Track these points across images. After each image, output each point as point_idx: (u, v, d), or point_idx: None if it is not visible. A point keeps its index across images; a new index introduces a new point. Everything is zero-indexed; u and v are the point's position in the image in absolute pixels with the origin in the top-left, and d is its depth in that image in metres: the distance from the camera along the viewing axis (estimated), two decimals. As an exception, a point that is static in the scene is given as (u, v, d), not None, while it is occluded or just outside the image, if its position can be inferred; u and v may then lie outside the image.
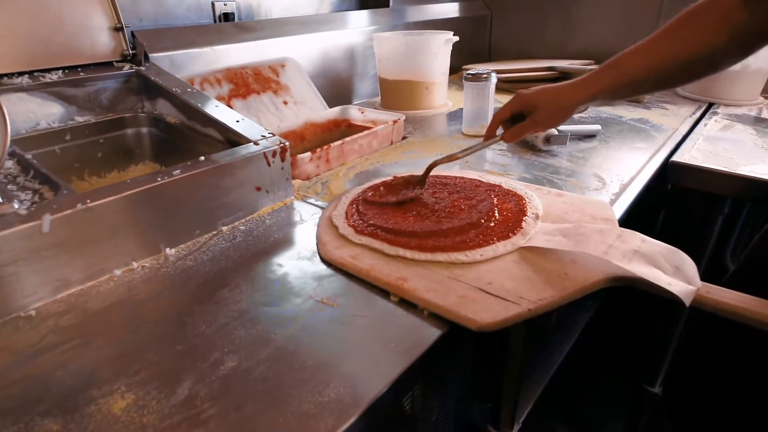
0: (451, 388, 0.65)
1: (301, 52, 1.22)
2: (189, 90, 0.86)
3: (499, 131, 0.79)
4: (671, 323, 1.07)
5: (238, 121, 0.78)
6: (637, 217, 0.78)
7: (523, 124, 0.74)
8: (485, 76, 1.02)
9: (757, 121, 1.15)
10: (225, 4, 1.16)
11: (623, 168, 0.88)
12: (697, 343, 0.77)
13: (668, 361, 1.10)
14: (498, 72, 1.52)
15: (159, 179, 0.60)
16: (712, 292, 0.51)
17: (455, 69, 1.66)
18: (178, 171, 0.63)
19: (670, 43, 0.63)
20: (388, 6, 1.51)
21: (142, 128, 0.90)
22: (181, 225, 0.64)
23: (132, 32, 0.94)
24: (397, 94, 1.27)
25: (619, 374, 1.39)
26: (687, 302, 0.49)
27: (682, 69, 0.63)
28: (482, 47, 1.93)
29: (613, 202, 0.76)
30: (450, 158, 0.74)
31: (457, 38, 1.25)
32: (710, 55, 0.61)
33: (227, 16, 1.16)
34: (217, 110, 0.81)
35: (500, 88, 1.50)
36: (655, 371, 1.14)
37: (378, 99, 1.38)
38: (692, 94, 1.37)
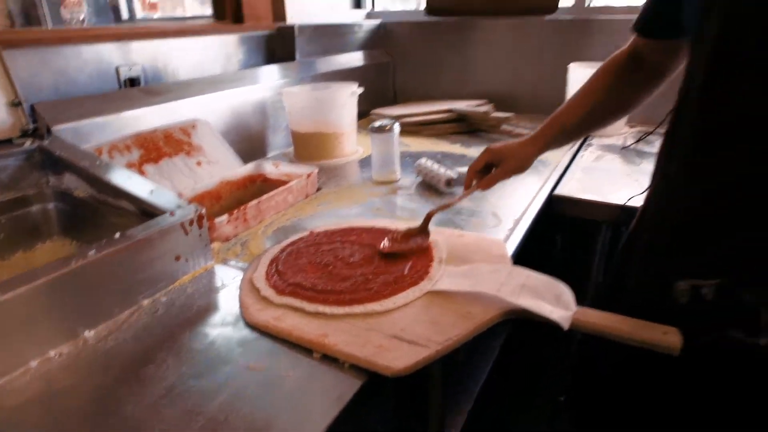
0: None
1: (212, 111, 1.25)
2: (97, 163, 0.86)
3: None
4: (568, 346, 1.19)
5: (151, 192, 0.80)
6: (536, 245, 0.88)
7: (496, 173, 0.86)
8: (388, 128, 1.11)
9: (623, 150, 1.34)
10: (129, 69, 1.17)
11: (516, 204, 1.00)
12: (582, 365, 0.86)
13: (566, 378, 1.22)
14: (402, 117, 1.64)
15: (73, 263, 0.61)
16: (586, 315, 0.60)
17: (364, 113, 1.75)
18: (92, 251, 0.63)
19: (594, 97, 0.82)
20: (294, 59, 1.58)
21: (48, 204, 0.88)
22: (98, 305, 0.64)
23: (32, 105, 0.93)
24: (309, 145, 1.33)
25: (538, 387, 1.51)
26: (565, 327, 0.58)
27: (608, 114, 0.84)
28: (387, 91, 2.06)
29: (507, 237, 0.86)
30: (444, 207, 0.85)
31: (361, 89, 1.34)
32: (624, 97, 0.80)
33: (133, 81, 1.17)
34: (129, 182, 0.82)
35: (406, 131, 1.61)
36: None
37: (292, 149, 1.43)
38: (571, 128, 1.55)
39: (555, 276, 0.66)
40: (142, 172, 1.03)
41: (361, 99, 1.39)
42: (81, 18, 2.57)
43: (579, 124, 0.83)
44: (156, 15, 2.30)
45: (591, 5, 1.71)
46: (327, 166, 1.30)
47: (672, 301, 0.59)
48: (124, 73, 1.15)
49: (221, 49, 1.41)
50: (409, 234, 0.80)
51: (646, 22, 0.73)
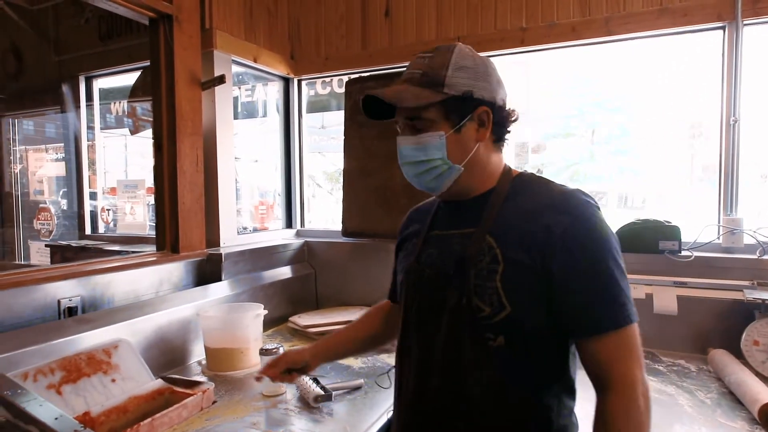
0: None
1: (138, 332, 1.50)
2: (19, 390, 1.07)
3: None
4: None
5: (56, 419, 1.00)
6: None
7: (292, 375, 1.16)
8: (274, 350, 1.37)
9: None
10: (70, 300, 1.44)
11: (366, 422, 1.22)
12: None
13: None
14: (309, 327, 1.92)
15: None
16: None
17: (283, 318, 2.04)
18: (-10, 478, 0.81)
19: (360, 328, 1.18)
20: (220, 280, 1.90)
21: (-33, 427, 1.05)
22: None
23: (-25, 341, 1.16)
24: (218, 358, 1.57)
25: None
26: None
27: (372, 343, 1.18)
28: (310, 297, 2.37)
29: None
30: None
31: (265, 312, 1.64)
32: (388, 332, 1.15)
33: (71, 310, 1.43)
34: (39, 409, 1.02)
35: (313, 338, 1.88)
36: None
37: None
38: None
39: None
40: (59, 393, 1.23)
41: (286, 303, 1.68)
42: (50, 229, 2.95)
43: (353, 346, 1.20)
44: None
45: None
46: (231, 377, 1.52)
47: None
48: (65, 304, 1.42)
49: (156, 275, 1.72)
50: None
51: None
